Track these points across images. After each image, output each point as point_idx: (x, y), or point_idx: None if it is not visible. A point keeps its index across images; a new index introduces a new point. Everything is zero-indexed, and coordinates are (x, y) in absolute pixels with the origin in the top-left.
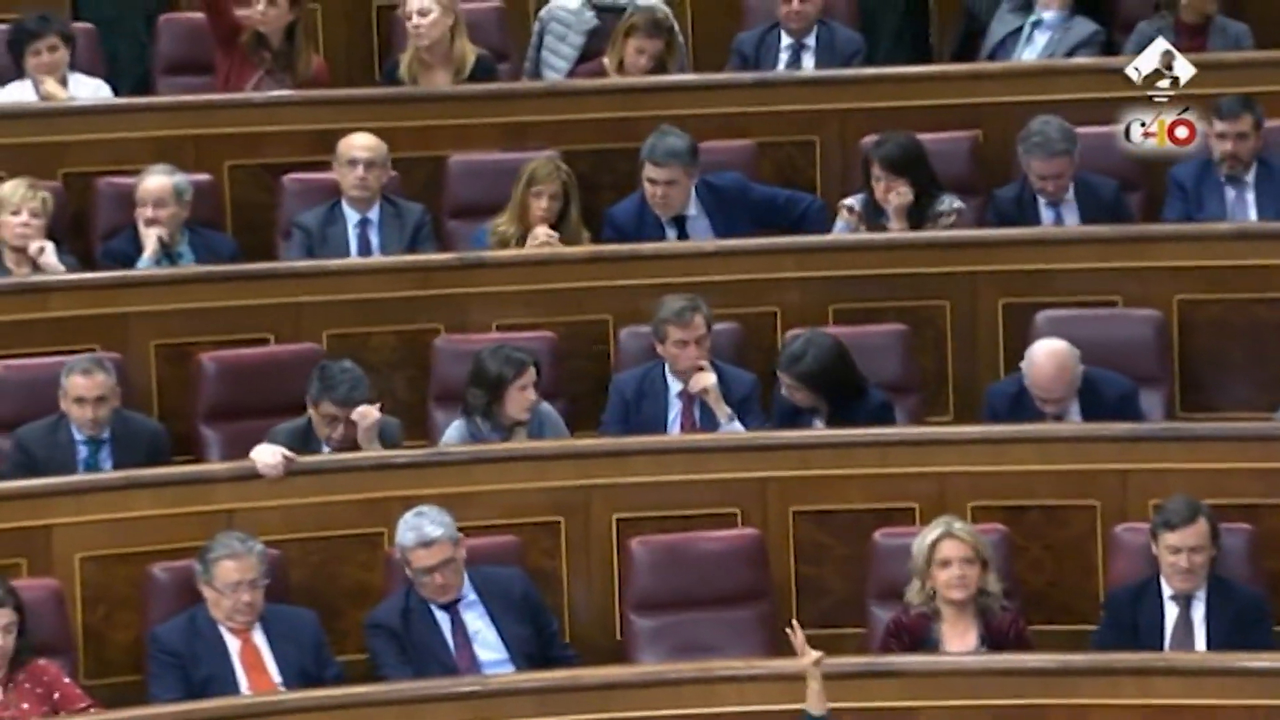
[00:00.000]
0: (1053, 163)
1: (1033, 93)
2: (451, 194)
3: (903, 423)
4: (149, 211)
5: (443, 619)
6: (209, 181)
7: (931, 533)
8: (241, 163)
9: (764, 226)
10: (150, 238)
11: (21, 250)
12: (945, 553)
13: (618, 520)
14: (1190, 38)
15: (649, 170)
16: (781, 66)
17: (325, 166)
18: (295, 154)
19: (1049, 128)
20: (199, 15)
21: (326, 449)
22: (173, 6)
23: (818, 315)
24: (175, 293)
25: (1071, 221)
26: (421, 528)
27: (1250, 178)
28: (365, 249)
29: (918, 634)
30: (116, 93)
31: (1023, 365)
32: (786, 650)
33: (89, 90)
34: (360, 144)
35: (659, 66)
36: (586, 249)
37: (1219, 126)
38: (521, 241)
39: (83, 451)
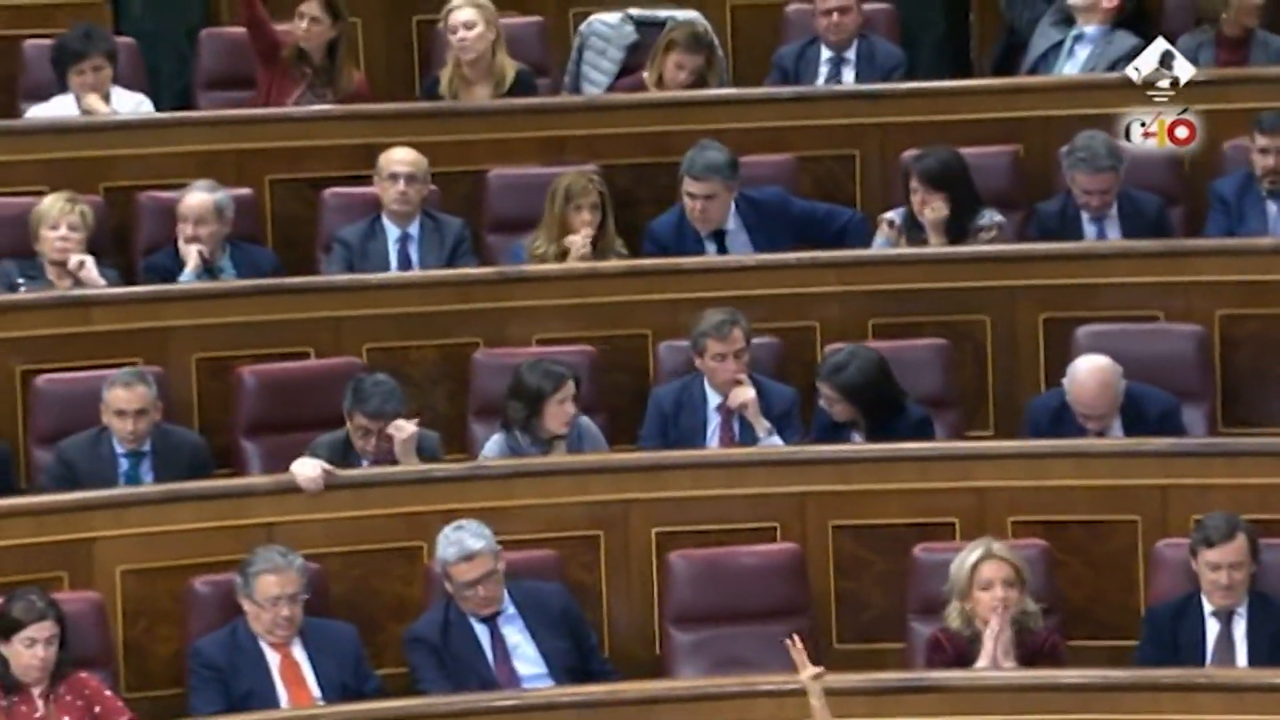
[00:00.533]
0: (1098, 178)
1: (1074, 107)
2: (491, 208)
3: (943, 437)
4: (189, 229)
5: (482, 633)
6: (250, 196)
7: (971, 555)
8: (282, 177)
9: (804, 241)
10: (191, 254)
11: (62, 264)
12: (987, 574)
13: (657, 534)
14: (1231, 51)
15: (688, 185)
16: (821, 80)
17: (366, 181)
18: (336, 168)
19: (1095, 143)
20: (241, 30)
21: (365, 462)
22: (215, 21)
23: (858, 330)
24: (216, 307)
25: (1114, 236)
26: (463, 541)
27: None
28: (405, 263)
29: (960, 649)
30: (158, 107)
31: (1065, 382)
32: (826, 664)
33: (131, 105)
34: (401, 159)
35: (699, 81)
36: (625, 263)
37: (1260, 141)
38: (559, 258)
39: (124, 464)
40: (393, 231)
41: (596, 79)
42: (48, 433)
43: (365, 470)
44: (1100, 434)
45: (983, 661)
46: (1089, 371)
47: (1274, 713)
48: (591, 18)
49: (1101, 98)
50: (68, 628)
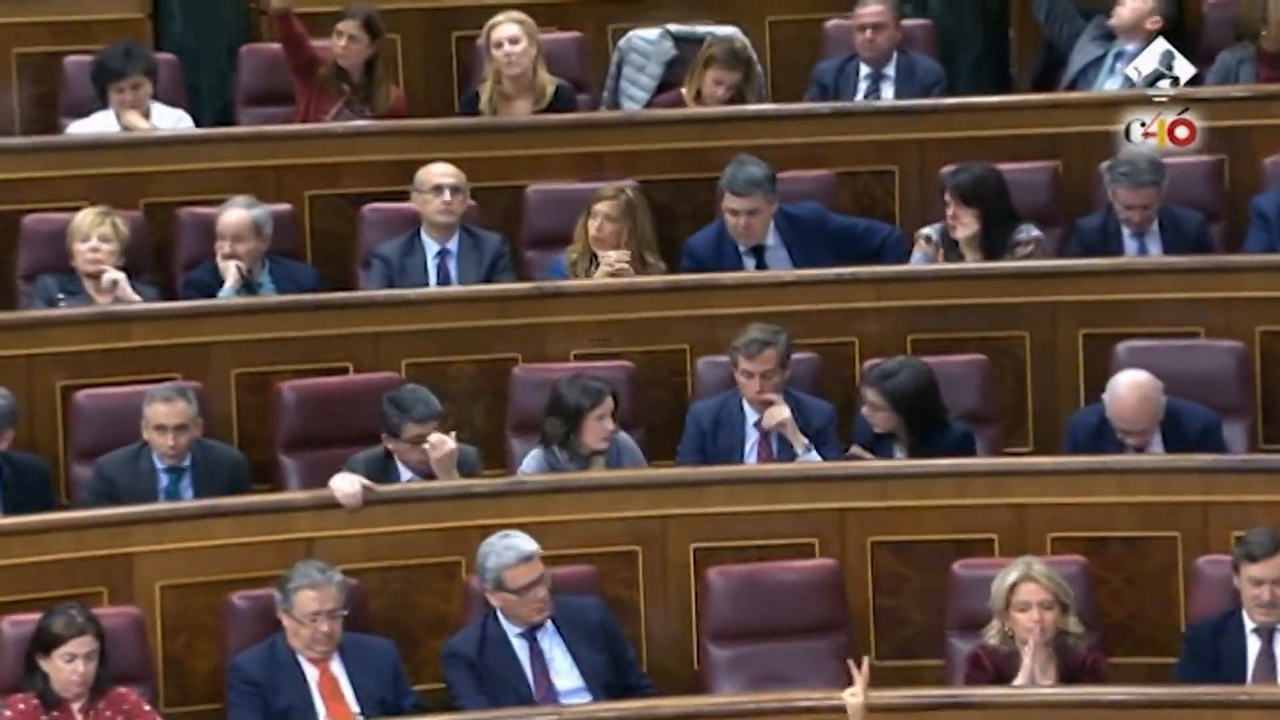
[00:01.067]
0: (1140, 193)
1: (1114, 123)
2: (530, 224)
3: (982, 453)
4: (228, 246)
5: (520, 647)
6: (289, 211)
7: (1010, 574)
8: (322, 193)
9: (842, 256)
10: (230, 271)
11: (95, 277)
12: (1023, 596)
13: (695, 550)
14: (1272, 67)
15: (730, 201)
16: (860, 96)
17: (405, 197)
18: (375, 184)
19: (1138, 158)
20: (279, 47)
21: (406, 477)
22: (254, 38)
23: (896, 345)
24: (256, 322)
25: (1155, 252)
26: (517, 545)
27: None
28: (444, 279)
29: (1000, 666)
30: (198, 123)
31: (1105, 397)
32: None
33: (170, 120)
34: (443, 171)
35: (737, 97)
36: (664, 279)
37: None
38: (592, 270)
39: (164, 480)
40: (431, 247)
41: (635, 95)
42: (88, 448)
43: (404, 486)
44: (1140, 450)
45: (1021, 679)
46: (1129, 387)
47: None
48: (630, 34)
49: (1142, 113)
50: (107, 643)
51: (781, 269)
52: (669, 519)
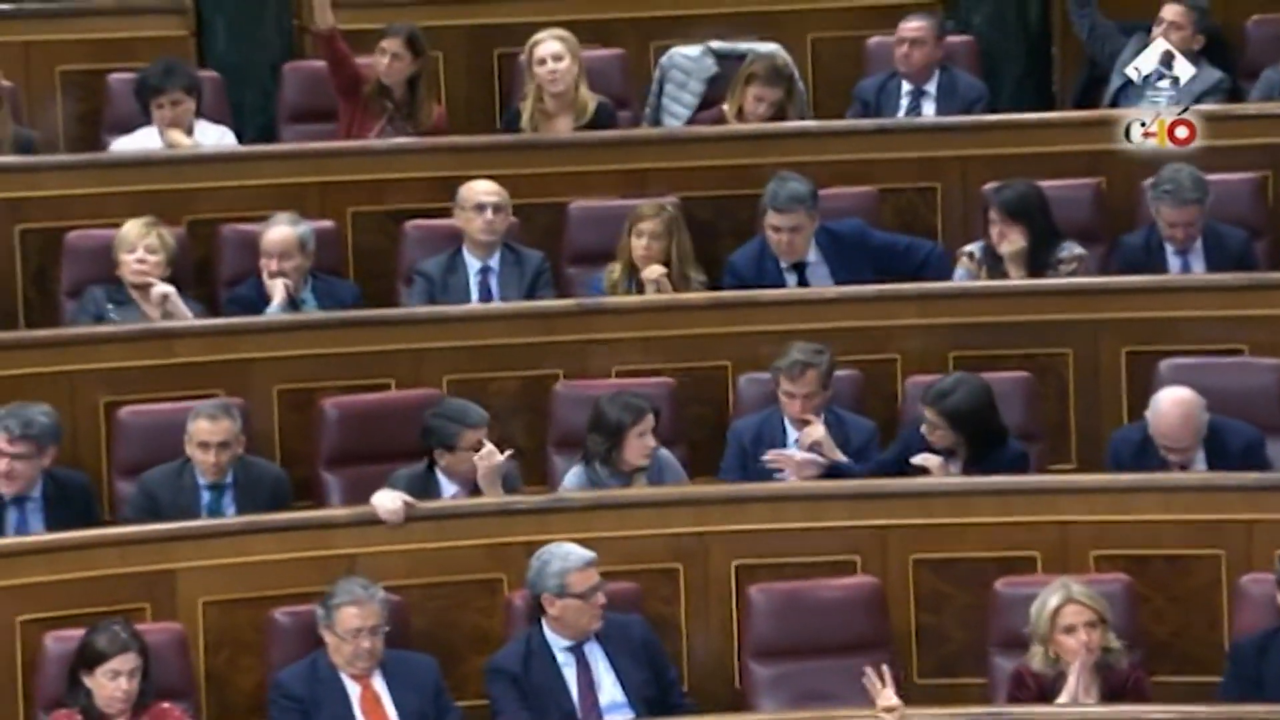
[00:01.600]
0: (1183, 211)
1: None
2: (571, 241)
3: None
4: (274, 264)
5: (566, 663)
6: (332, 228)
7: (1052, 599)
8: (364, 210)
9: (884, 273)
10: (277, 289)
11: (142, 288)
12: (1069, 619)
13: (737, 567)
14: None
15: (773, 218)
16: (902, 113)
17: (447, 213)
18: (418, 201)
19: (1181, 175)
20: (323, 64)
21: (448, 494)
22: (298, 55)
23: (938, 363)
24: (298, 339)
25: (1198, 269)
26: (576, 550)
27: None
28: (486, 295)
29: (1044, 686)
30: (241, 140)
31: (1148, 413)
32: (907, 698)
33: (214, 137)
34: (486, 189)
35: (779, 114)
36: (706, 295)
37: None
38: (633, 288)
39: (206, 496)
40: (473, 264)
41: (677, 111)
42: (130, 464)
43: (446, 502)
44: (1183, 466)
45: (1064, 698)
46: (1172, 403)
47: None
48: (672, 50)
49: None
50: (150, 658)
51: (823, 286)
52: (710, 536)
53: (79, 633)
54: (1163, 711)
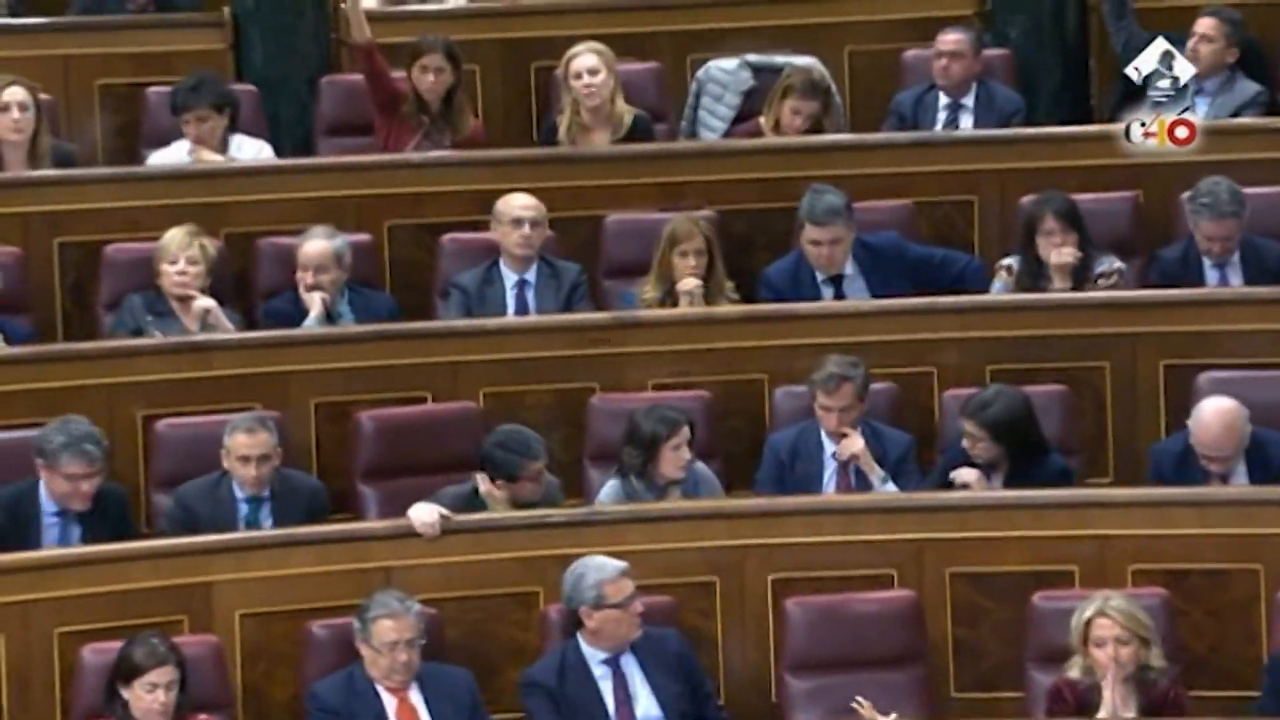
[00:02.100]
0: (1221, 224)
1: (1194, 153)
2: (608, 254)
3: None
4: (310, 277)
5: (602, 675)
6: (369, 241)
7: (1087, 609)
8: (401, 223)
9: (920, 286)
10: (315, 302)
11: (183, 300)
12: (1099, 632)
13: (773, 581)
14: None
15: (811, 232)
16: (939, 126)
17: (483, 226)
18: (454, 214)
19: (1219, 189)
20: (360, 77)
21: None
22: (335, 69)
23: (975, 376)
24: (335, 352)
25: (1236, 283)
26: (609, 561)
27: None
28: (522, 309)
29: (1082, 698)
30: (279, 153)
31: (1189, 423)
32: (944, 712)
33: (251, 151)
34: (523, 203)
35: (815, 127)
36: (742, 308)
37: None
38: (668, 303)
39: (243, 509)
40: (510, 277)
41: (713, 124)
42: (168, 477)
43: (482, 515)
44: (1224, 477)
45: (1103, 713)
46: (1214, 413)
47: None
48: (709, 63)
49: (1222, 144)
50: (188, 671)
51: (859, 299)
52: (747, 549)
53: (116, 645)
54: None
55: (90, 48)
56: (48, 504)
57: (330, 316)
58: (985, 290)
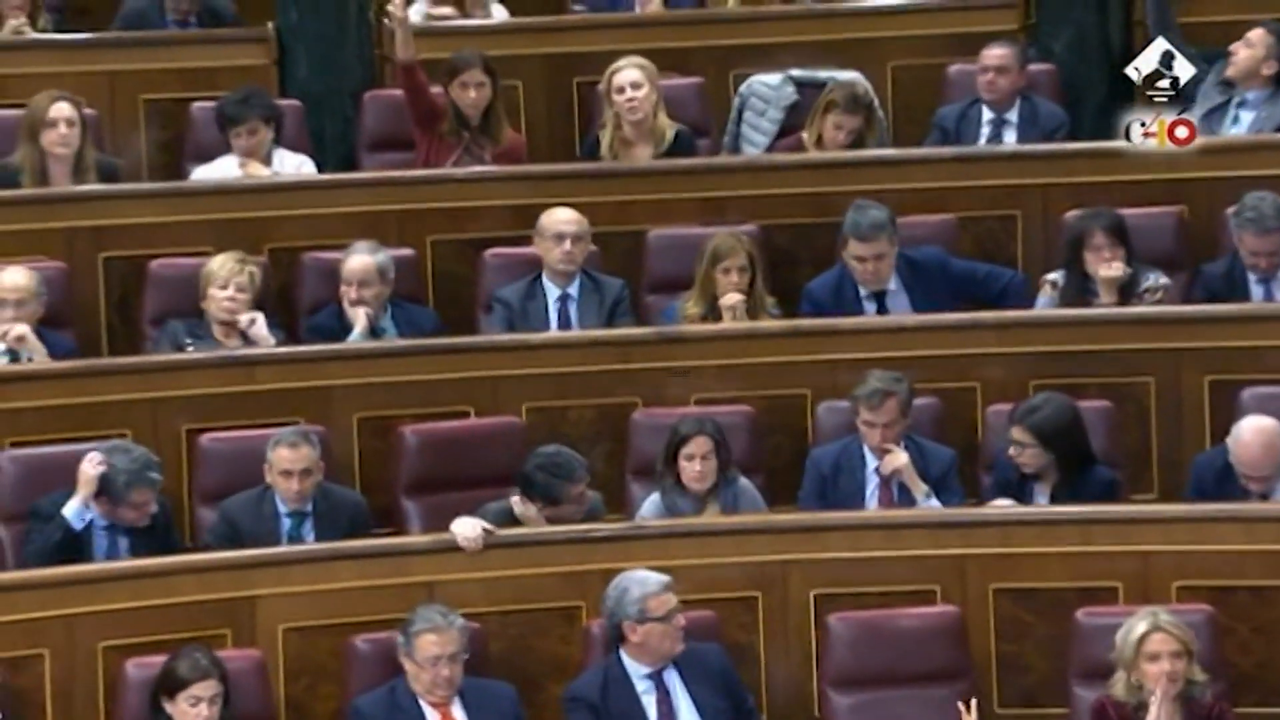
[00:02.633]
0: (1266, 239)
1: (1238, 168)
2: (651, 268)
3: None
4: (354, 292)
5: (646, 690)
6: (412, 256)
7: (1139, 625)
8: (444, 237)
9: (963, 301)
10: (359, 317)
11: (229, 324)
12: (1154, 647)
13: (815, 596)
14: None
15: (856, 248)
16: (983, 141)
17: (526, 241)
18: (497, 229)
19: (1264, 204)
20: (403, 94)
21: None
22: (378, 84)
23: (1019, 391)
24: (378, 366)
25: None
26: (652, 575)
27: None
28: (565, 323)
29: (1126, 713)
30: (322, 168)
31: (1228, 442)
32: None
33: (294, 166)
34: (565, 218)
35: (858, 141)
36: (784, 324)
37: None
38: (710, 318)
39: (286, 523)
40: (553, 291)
41: (756, 139)
42: (211, 491)
43: (524, 530)
44: (1264, 496)
45: None
46: (1254, 432)
47: None
48: (752, 78)
49: (1267, 158)
50: (230, 685)
51: (902, 313)
52: (789, 564)
53: (160, 659)
54: None
55: (135, 63)
56: (98, 516)
57: (374, 331)
58: (1028, 305)
